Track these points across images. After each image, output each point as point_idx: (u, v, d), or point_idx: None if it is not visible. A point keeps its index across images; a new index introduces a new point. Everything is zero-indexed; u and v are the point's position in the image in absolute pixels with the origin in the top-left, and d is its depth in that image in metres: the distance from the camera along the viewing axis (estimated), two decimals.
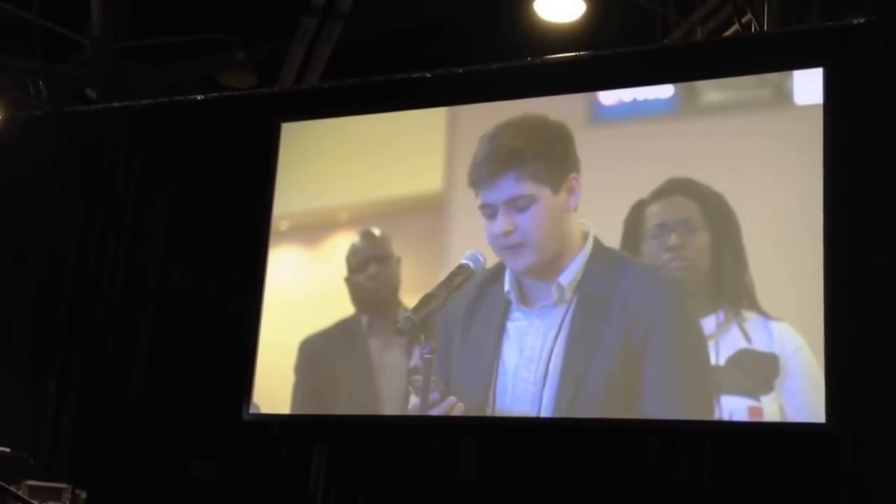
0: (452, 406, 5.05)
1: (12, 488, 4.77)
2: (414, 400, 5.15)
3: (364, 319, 5.59)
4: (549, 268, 5.02)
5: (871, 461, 4.55)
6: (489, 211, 5.09)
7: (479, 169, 5.12)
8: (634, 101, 5.29)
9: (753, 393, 4.73)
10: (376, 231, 5.66)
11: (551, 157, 5.11)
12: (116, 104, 6.58)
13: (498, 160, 5.09)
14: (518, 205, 5.02)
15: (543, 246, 5.01)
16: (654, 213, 5.06)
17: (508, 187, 5.04)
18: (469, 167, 5.19)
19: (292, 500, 5.49)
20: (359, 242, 5.67)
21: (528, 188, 5.02)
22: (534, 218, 5.01)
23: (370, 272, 5.60)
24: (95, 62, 7.06)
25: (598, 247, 5.02)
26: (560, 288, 4.97)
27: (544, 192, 5.02)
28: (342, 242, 5.72)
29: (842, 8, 5.11)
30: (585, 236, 5.03)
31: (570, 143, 5.15)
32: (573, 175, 5.06)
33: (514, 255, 5.04)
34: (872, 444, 4.56)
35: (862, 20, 4.95)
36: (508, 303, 5.08)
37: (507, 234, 5.01)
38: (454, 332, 5.12)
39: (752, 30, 5.75)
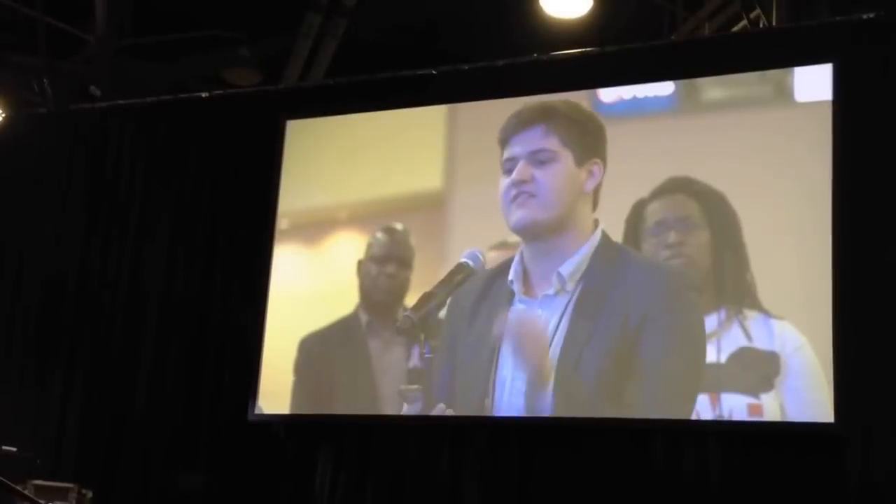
0: (441, 412, 5.05)
1: (18, 488, 4.76)
2: (406, 408, 5.16)
3: (364, 318, 5.57)
4: (553, 241, 4.97)
5: (880, 461, 4.53)
6: (510, 165, 5.05)
7: (510, 120, 5.10)
8: (634, 98, 5.27)
9: (753, 391, 4.72)
10: (398, 226, 5.59)
11: (583, 129, 5.09)
12: (121, 102, 6.57)
13: (531, 112, 5.10)
14: (539, 157, 4.99)
15: (551, 206, 4.97)
16: (653, 211, 5.06)
17: (535, 140, 5.02)
18: (505, 123, 5.14)
19: (298, 500, 5.48)
20: (383, 236, 5.61)
21: (553, 144, 5.01)
22: (550, 175, 4.99)
23: (389, 271, 5.56)
24: (99, 60, 7.05)
25: (606, 241, 4.99)
26: (560, 277, 4.94)
27: (567, 156, 5.01)
28: (342, 241, 5.71)
29: (851, 3, 5.07)
30: (595, 228, 5.00)
31: (602, 133, 5.11)
32: (597, 160, 5.03)
33: (520, 206, 4.98)
34: (881, 444, 4.54)
35: (871, 15, 4.91)
36: (512, 294, 5.05)
37: (521, 182, 4.98)
38: (460, 327, 5.10)
39: (761, 25, 5.72)
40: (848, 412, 4.55)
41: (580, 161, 5.01)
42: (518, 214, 5.00)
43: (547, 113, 5.09)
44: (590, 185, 5.00)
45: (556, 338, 4.92)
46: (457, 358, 5.09)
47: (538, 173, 4.98)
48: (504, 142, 5.11)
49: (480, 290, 5.10)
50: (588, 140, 5.07)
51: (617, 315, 4.85)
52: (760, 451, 4.72)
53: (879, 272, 4.67)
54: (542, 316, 4.96)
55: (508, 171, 5.05)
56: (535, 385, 4.93)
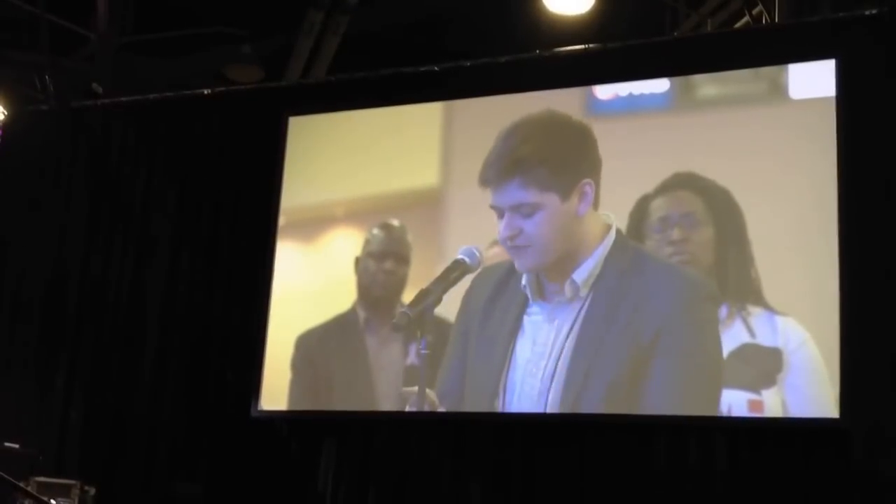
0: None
1: (21, 484, 4.77)
2: (408, 409, 5.15)
3: (362, 315, 5.57)
4: (559, 267, 4.95)
5: (885, 456, 4.53)
6: (498, 212, 5.03)
7: (488, 170, 5.03)
8: (630, 95, 5.26)
9: (754, 387, 4.71)
10: (395, 223, 5.60)
11: (561, 162, 5.02)
12: (123, 98, 6.57)
13: (504, 165, 5.00)
14: (522, 211, 4.94)
15: (549, 249, 4.94)
16: (658, 207, 5.03)
17: (513, 194, 4.96)
18: (482, 165, 5.08)
19: (301, 497, 5.48)
20: (380, 233, 5.61)
21: (532, 196, 4.94)
22: (539, 224, 4.94)
23: (387, 267, 5.56)
24: (102, 56, 7.06)
25: (620, 241, 4.93)
26: (573, 284, 4.91)
27: (550, 199, 4.93)
28: (339, 238, 5.71)
29: None
30: (607, 230, 4.94)
31: (587, 144, 5.04)
32: (586, 181, 4.93)
33: (518, 255, 4.99)
34: (886, 439, 4.54)
35: (874, 11, 4.91)
36: (526, 297, 5.02)
37: (511, 237, 4.96)
38: (472, 325, 5.09)
39: (763, 21, 5.72)
40: (853, 407, 4.54)
41: (566, 195, 4.92)
42: (519, 262, 5.00)
43: (518, 165, 4.98)
44: (583, 208, 4.92)
45: (567, 344, 4.90)
46: (468, 356, 5.08)
47: (525, 225, 4.93)
48: (485, 185, 5.04)
49: (493, 289, 5.08)
50: (568, 168, 5.00)
51: (630, 326, 4.82)
52: (765, 447, 4.72)
53: (884, 268, 4.67)
54: (555, 321, 4.90)
55: (499, 217, 5.01)
56: (545, 392, 4.91)
